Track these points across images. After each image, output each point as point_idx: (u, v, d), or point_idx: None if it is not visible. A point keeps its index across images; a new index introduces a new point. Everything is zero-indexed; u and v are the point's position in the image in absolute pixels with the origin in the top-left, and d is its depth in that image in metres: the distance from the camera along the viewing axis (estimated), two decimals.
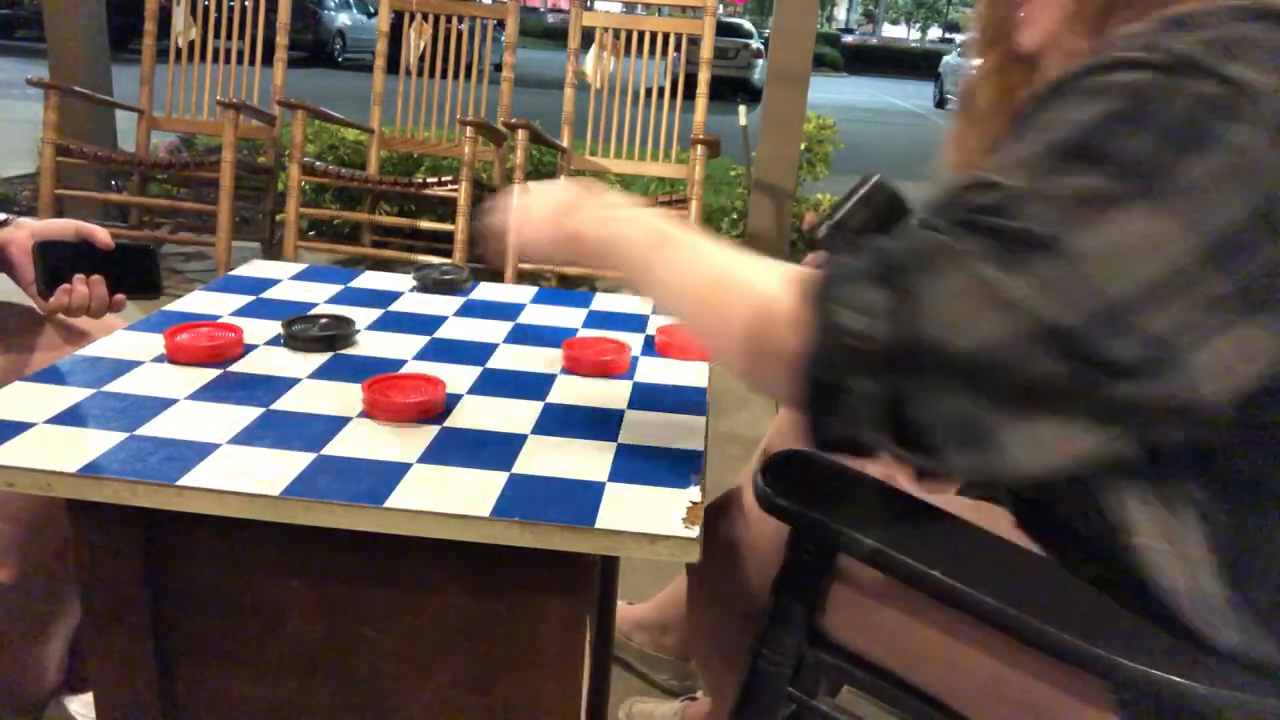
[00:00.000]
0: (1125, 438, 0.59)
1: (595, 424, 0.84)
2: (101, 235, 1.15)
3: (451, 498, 0.69)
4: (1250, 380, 0.58)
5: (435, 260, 1.13)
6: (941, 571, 0.70)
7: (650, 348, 1.04)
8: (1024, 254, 0.57)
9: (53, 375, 0.86)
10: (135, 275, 1.17)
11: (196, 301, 1.09)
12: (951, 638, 0.77)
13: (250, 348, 0.96)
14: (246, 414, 0.80)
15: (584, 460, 0.77)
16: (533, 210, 0.81)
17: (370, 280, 1.22)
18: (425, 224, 3.36)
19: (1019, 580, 0.72)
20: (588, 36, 3.46)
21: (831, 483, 0.82)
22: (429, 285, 1.20)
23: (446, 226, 3.19)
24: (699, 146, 3.12)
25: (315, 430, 0.78)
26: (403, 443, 0.77)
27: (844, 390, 0.60)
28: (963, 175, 0.62)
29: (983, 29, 0.81)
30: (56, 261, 1.11)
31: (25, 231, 1.13)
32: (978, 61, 0.82)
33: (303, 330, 0.99)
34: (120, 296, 1.15)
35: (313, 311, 1.04)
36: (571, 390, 0.91)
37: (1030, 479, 0.59)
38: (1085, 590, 0.73)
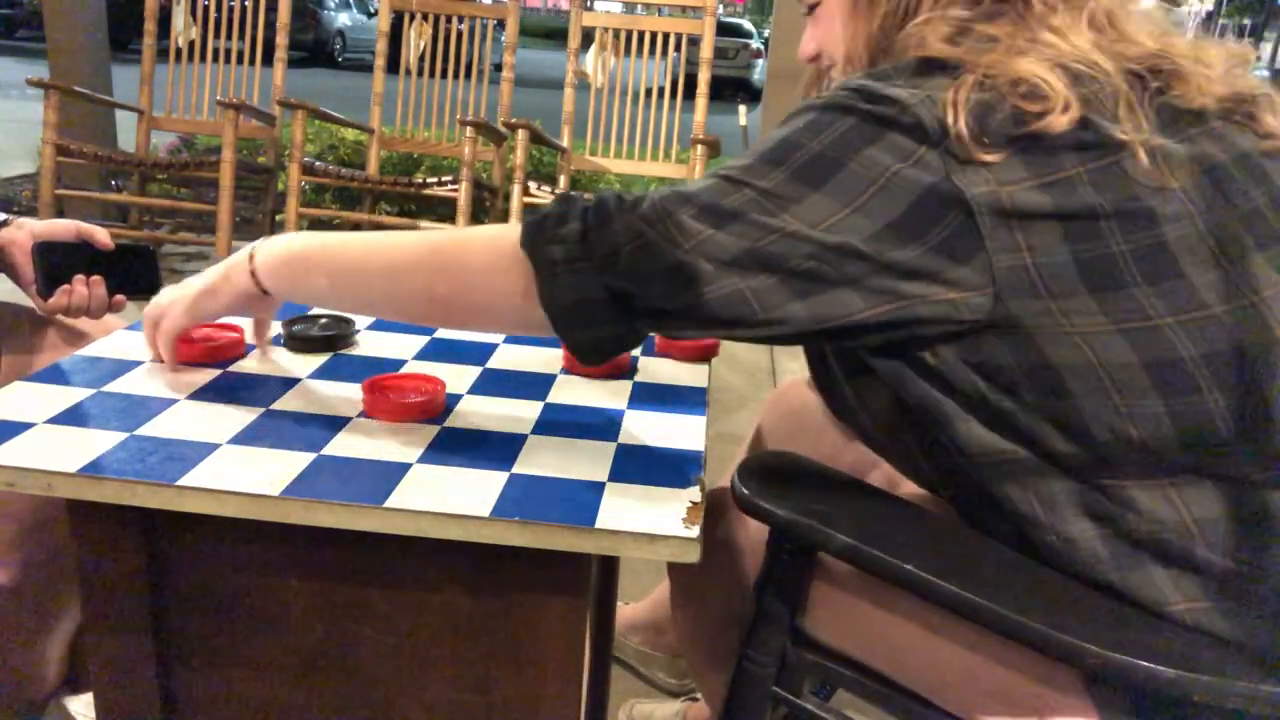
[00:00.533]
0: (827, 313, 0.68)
1: (595, 424, 0.84)
2: (101, 235, 1.15)
3: (451, 498, 0.69)
4: (978, 305, 0.68)
5: None
6: (915, 565, 0.70)
7: (650, 348, 1.04)
8: (720, 218, 0.69)
9: (53, 375, 0.86)
10: (135, 275, 1.17)
11: None
12: (928, 631, 0.78)
13: (250, 348, 0.96)
14: (246, 414, 0.80)
15: (584, 460, 0.77)
16: (180, 290, 0.86)
17: None
18: (425, 224, 3.36)
19: (991, 571, 0.73)
20: (588, 36, 3.47)
21: (808, 482, 0.83)
22: (297, 344, 0.99)
23: (446, 227, 3.19)
24: (699, 146, 3.12)
25: (315, 430, 0.78)
26: (403, 443, 0.77)
27: (577, 305, 0.71)
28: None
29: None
30: (56, 262, 1.11)
31: (25, 232, 1.13)
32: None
33: (302, 330, 0.99)
34: (120, 297, 1.15)
35: (312, 311, 1.04)
36: (571, 390, 0.91)
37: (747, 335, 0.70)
38: (1056, 579, 0.74)
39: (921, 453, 0.78)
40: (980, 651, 0.76)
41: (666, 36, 3.40)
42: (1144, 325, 0.67)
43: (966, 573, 0.71)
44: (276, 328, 1.01)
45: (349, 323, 1.02)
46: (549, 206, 0.74)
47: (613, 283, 0.70)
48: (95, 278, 1.13)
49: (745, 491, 0.77)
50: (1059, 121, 0.66)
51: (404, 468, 0.73)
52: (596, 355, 0.75)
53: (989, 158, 0.66)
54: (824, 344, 0.72)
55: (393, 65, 3.49)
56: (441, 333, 1.05)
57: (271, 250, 0.82)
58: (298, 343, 0.97)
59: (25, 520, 1.03)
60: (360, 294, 0.81)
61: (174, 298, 0.86)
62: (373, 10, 14.38)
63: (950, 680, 0.79)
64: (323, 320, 1.02)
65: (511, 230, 0.74)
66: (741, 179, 0.70)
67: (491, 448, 0.78)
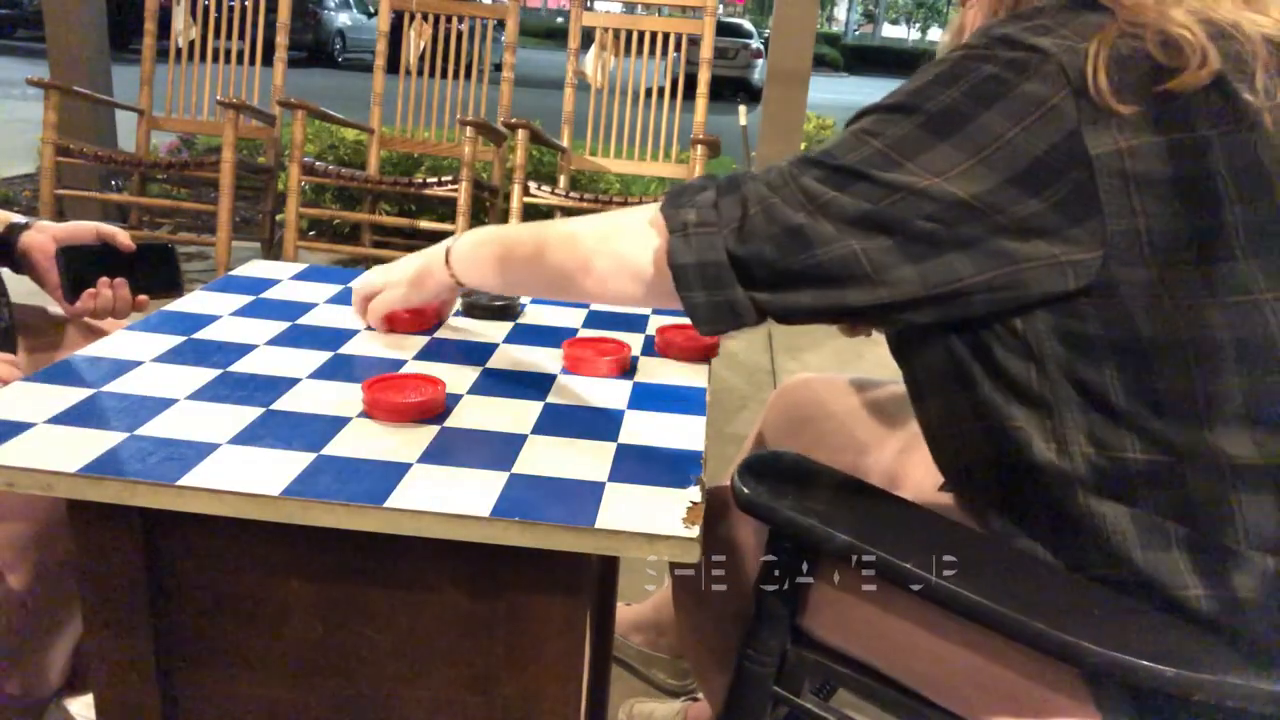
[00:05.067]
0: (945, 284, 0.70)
1: (595, 424, 0.84)
2: (123, 238, 1.17)
3: (451, 498, 0.69)
4: (1086, 268, 0.68)
5: None
6: (914, 564, 0.71)
7: (650, 348, 1.04)
8: (844, 178, 0.72)
9: (53, 375, 0.86)
10: (156, 275, 1.20)
11: (196, 301, 1.09)
12: (928, 630, 0.78)
13: (250, 347, 0.96)
14: (246, 414, 0.80)
15: (584, 460, 0.77)
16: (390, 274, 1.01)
17: None
18: (425, 224, 3.36)
19: (991, 570, 0.73)
20: (588, 36, 3.46)
21: (808, 481, 0.83)
22: (476, 311, 1.11)
23: (447, 226, 3.18)
24: (699, 146, 3.12)
25: (315, 430, 0.78)
26: (403, 443, 0.77)
27: (700, 266, 0.75)
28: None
29: None
30: (80, 266, 1.13)
31: (47, 235, 1.14)
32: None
33: (478, 300, 1.10)
34: (143, 298, 1.17)
35: None
36: (571, 390, 0.91)
37: (871, 304, 0.72)
38: (1058, 579, 0.74)
39: (972, 413, 0.78)
40: (981, 651, 0.76)
41: (666, 36, 3.39)
42: (1244, 300, 0.67)
43: (967, 572, 0.71)
44: (276, 328, 1.01)
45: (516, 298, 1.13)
46: (694, 179, 0.81)
47: (735, 247, 0.74)
48: (118, 280, 1.15)
49: (745, 490, 0.77)
50: (1195, 78, 0.65)
51: (404, 468, 0.73)
52: (710, 322, 0.77)
53: (1124, 110, 0.66)
54: (931, 313, 0.73)
55: (393, 65, 3.49)
56: (442, 333, 1.05)
57: (462, 250, 0.94)
58: (477, 311, 1.10)
59: (37, 526, 1.03)
60: (525, 281, 0.93)
61: (387, 282, 1.00)
62: (373, 10, 14.37)
63: (951, 679, 0.79)
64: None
65: (659, 203, 0.80)
66: (870, 130, 0.72)
67: (491, 448, 0.78)
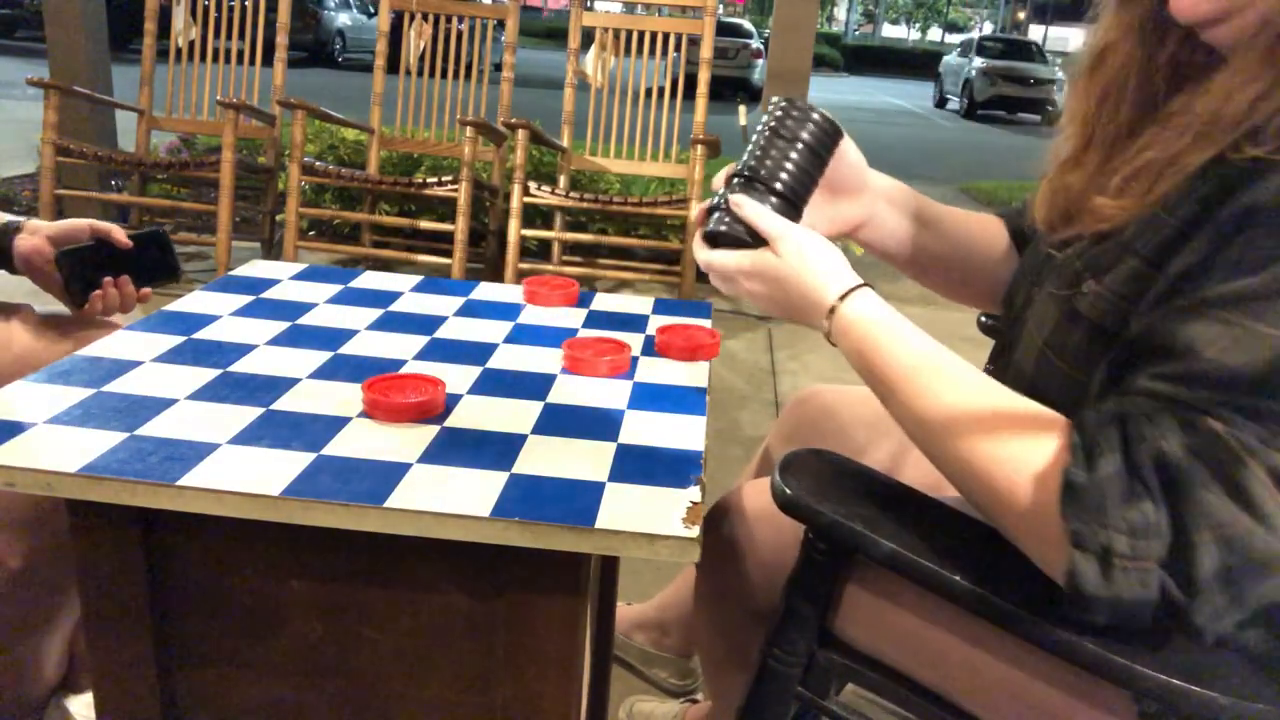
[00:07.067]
0: None
1: (595, 424, 0.84)
2: (118, 235, 1.18)
3: (451, 498, 0.69)
4: None
5: None
6: (962, 576, 0.69)
7: (650, 348, 1.04)
8: None
9: (53, 375, 0.86)
10: (155, 264, 1.22)
11: (196, 301, 1.09)
12: (969, 641, 0.76)
13: (250, 347, 0.96)
14: (246, 414, 0.80)
15: (584, 460, 0.77)
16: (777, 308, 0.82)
17: (370, 280, 1.22)
18: (425, 224, 3.36)
19: (1039, 586, 0.71)
20: (588, 36, 3.47)
21: (850, 483, 0.81)
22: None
23: (446, 226, 3.18)
24: (699, 146, 3.12)
25: (315, 430, 0.78)
26: (403, 443, 0.77)
27: (1118, 602, 0.60)
28: (1187, 314, 0.60)
29: None
30: (82, 268, 1.14)
31: (41, 238, 1.15)
32: (1107, 18, 0.78)
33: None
34: (146, 290, 1.19)
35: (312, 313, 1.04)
36: (571, 390, 0.91)
37: None
38: None
39: None
40: (1024, 666, 0.74)
41: (666, 36, 3.40)
42: None
43: (1015, 586, 0.69)
44: (276, 328, 1.01)
45: None
46: (1106, 458, 0.60)
47: (1173, 590, 0.59)
48: (123, 277, 1.17)
49: (786, 491, 0.75)
50: None
51: (404, 468, 0.73)
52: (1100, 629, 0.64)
53: None
54: None
55: (393, 65, 3.49)
56: (441, 332, 1.05)
57: (846, 328, 0.77)
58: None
59: (23, 518, 1.03)
60: (891, 411, 0.76)
61: (760, 296, 0.82)
62: (373, 10, 14.38)
63: (991, 692, 0.77)
64: None
65: (1053, 458, 0.62)
66: None
67: (491, 448, 0.78)
